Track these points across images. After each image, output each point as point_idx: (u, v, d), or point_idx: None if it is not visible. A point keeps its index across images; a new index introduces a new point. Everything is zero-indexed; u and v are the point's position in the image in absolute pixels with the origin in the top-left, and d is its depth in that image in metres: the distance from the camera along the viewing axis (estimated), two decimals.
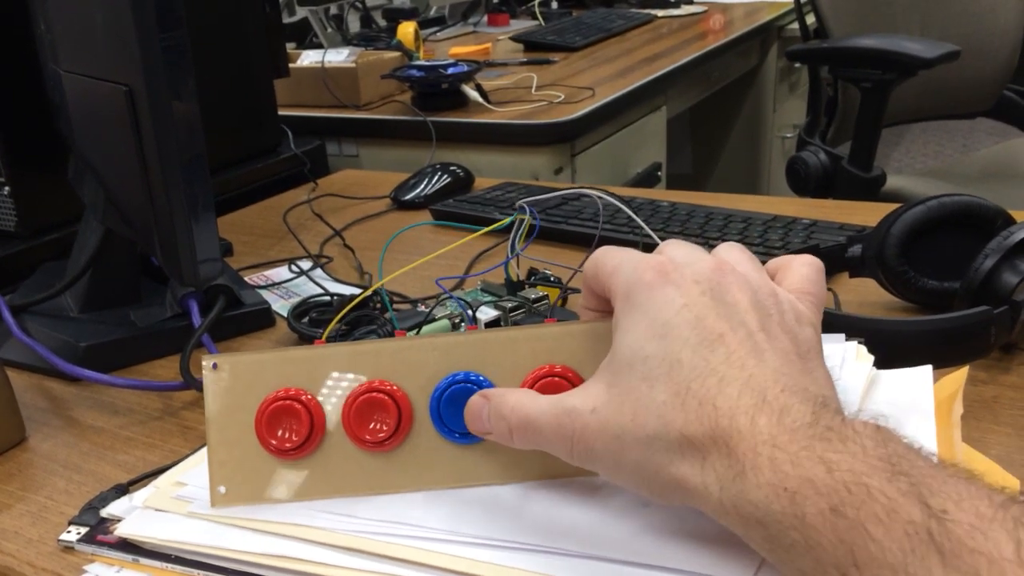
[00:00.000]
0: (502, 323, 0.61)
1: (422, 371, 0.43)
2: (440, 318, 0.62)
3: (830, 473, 0.30)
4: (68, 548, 0.46)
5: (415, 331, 0.60)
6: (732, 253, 0.41)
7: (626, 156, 1.50)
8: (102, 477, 0.54)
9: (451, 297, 0.63)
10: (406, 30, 1.61)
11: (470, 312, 0.61)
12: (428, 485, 0.43)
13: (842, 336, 0.51)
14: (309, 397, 0.42)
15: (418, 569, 0.39)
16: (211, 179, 0.59)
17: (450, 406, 0.42)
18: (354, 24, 2.06)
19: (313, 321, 0.69)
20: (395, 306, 0.72)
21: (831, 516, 0.30)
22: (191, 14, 0.55)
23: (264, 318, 0.74)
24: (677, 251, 0.39)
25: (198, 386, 0.60)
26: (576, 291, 0.67)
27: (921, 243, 0.63)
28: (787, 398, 0.34)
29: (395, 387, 0.42)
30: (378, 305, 0.67)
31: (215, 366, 0.43)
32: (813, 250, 0.67)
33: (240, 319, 0.73)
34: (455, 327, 0.62)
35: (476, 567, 0.38)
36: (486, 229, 0.57)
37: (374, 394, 0.42)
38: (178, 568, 0.42)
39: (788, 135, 2.35)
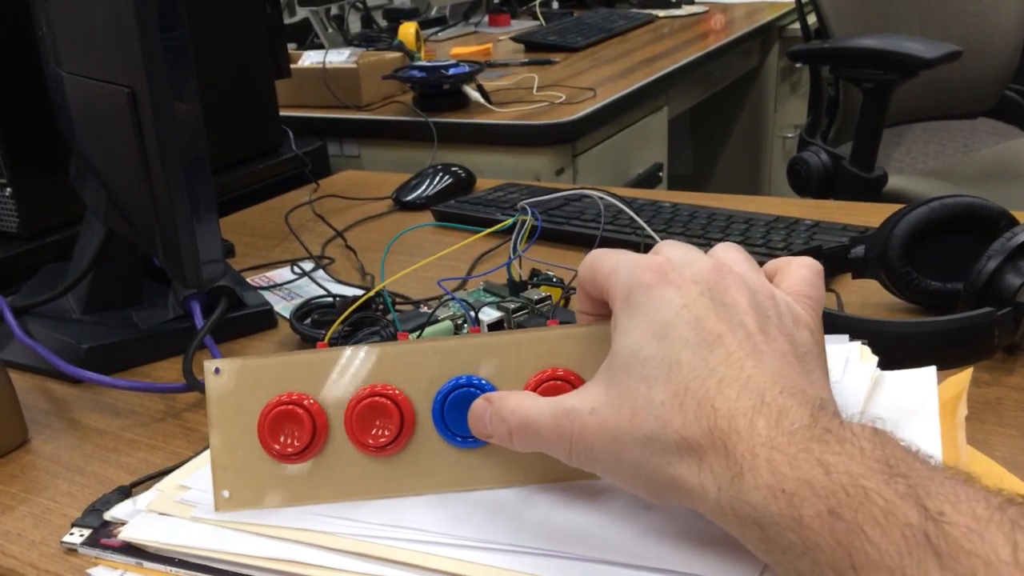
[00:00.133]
0: (505, 324, 0.61)
1: (424, 375, 0.43)
2: (443, 319, 0.61)
3: (828, 475, 0.30)
4: (71, 550, 0.46)
5: (418, 333, 0.60)
6: (729, 254, 0.40)
7: (627, 157, 1.50)
8: (105, 479, 0.54)
9: (453, 298, 0.63)
10: (407, 30, 1.61)
11: (472, 314, 0.61)
12: (431, 489, 0.43)
13: (845, 337, 0.51)
14: (311, 401, 0.42)
15: (420, 572, 0.39)
16: (213, 180, 0.59)
17: (453, 410, 0.42)
18: (355, 24, 2.06)
19: (315, 322, 0.69)
20: (397, 307, 0.72)
21: (829, 518, 0.30)
22: (192, 14, 0.55)
23: (266, 319, 0.74)
24: (675, 251, 0.39)
25: (201, 388, 0.60)
26: None
27: (924, 244, 0.63)
28: (785, 400, 0.34)
29: (397, 391, 0.42)
30: (380, 306, 0.67)
31: (217, 370, 0.43)
32: (816, 251, 0.67)
33: (242, 320, 0.73)
34: (458, 328, 0.61)
35: (478, 571, 0.38)
36: (488, 230, 0.57)
37: (377, 398, 0.42)
38: (182, 572, 0.42)
39: (789, 135, 2.35)
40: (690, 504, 0.35)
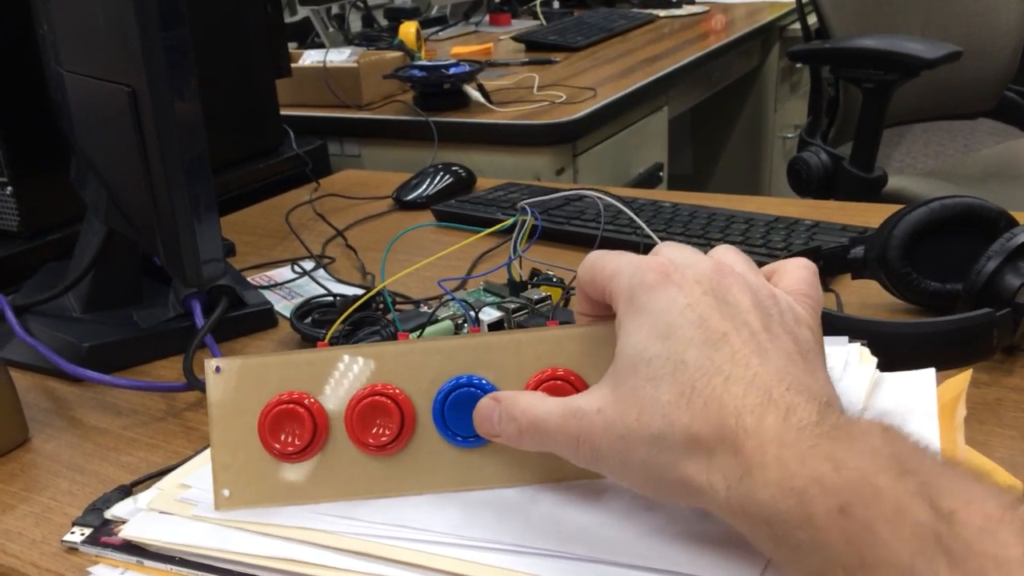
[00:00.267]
0: (505, 324, 0.61)
1: (425, 374, 0.43)
2: (443, 319, 0.62)
3: (838, 472, 0.30)
4: (72, 549, 0.47)
5: (418, 333, 0.60)
6: (728, 255, 0.41)
7: (628, 156, 1.50)
8: (105, 478, 0.54)
9: (453, 299, 0.63)
10: (408, 30, 1.61)
11: (472, 314, 0.61)
12: (431, 489, 0.43)
13: (845, 339, 0.51)
14: (312, 400, 0.42)
15: (422, 572, 0.39)
16: (213, 179, 0.59)
17: (453, 410, 0.42)
18: (355, 24, 2.06)
19: (316, 322, 0.69)
20: (398, 307, 0.72)
21: (839, 516, 0.29)
22: (192, 14, 0.55)
23: (267, 319, 0.74)
24: (675, 252, 0.40)
25: (201, 387, 0.60)
26: None
27: (924, 245, 0.63)
28: (793, 397, 0.34)
29: (398, 390, 0.42)
30: (381, 306, 0.67)
31: (218, 369, 0.43)
32: (815, 251, 0.67)
33: (243, 319, 0.73)
34: (458, 328, 0.62)
35: (481, 571, 0.38)
36: (488, 231, 0.57)
37: (377, 398, 0.42)
38: (182, 570, 0.42)
39: (789, 135, 2.35)
40: (698, 503, 0.35)
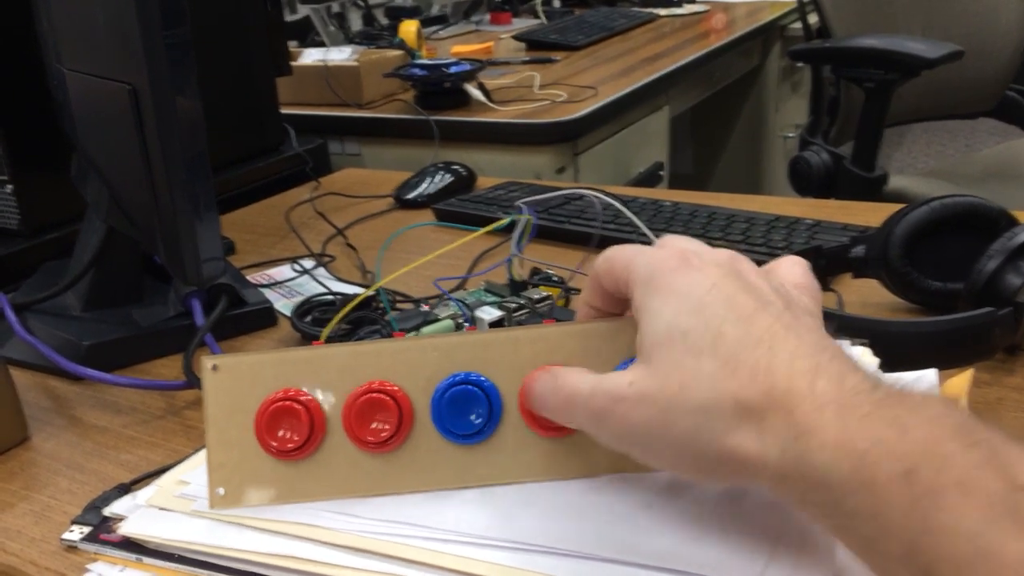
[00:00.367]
0: (505, 323, 0.61)
1: (423, 372, 0.43)
2: (444, 318, 0.61)
3: (903, 437, 0.29)
4: (71, 547, 0.47)
5: (415, 331, 0.60)
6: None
7: (628, 155, 1.50)
8: (105, 476, 0.54)
9: (450, 298, 0.63)
10: (408, 28, 1.61)
11: (468, 313, 0.61)
12: (430, 486, 0.43)
13: (847, 342, 0.51)
14: (309, 398, 0.42)
15: (422, 569, 0.39)
16: (213, 177, 0.59)
17: (451, 407, 0.42)
18: (356, 22, 2.06)
19: (316, 320, 0.69)
20: (398, 305, 0.72)
21: (904, 480, 0.29)
22: (193, 12, 0.55)
23: (267, 317, 0.74)
24: (687, 243, 0.40)
25: (201, 385, 0.60)
26: (579, 291, 0.67)
27: (925, 244, 0.63)
28: (839, 365, 0.33)
29: (396, 387, 0.42)
30: (380, 305, 0.67)
31: (215, 367, 0.43)
32: (816, 251, 0.67)
33: (243, 318, 0.73)
34: (459, 327, 0.62)
35: (480, 567, 0.38)
36: (485, 229, 0.58)
37: (375, 395, 0.42)
38: (181, 567, 0.42)
39: (790, 135, 2.35)
40: (745, 475, 0.34)
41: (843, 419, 0.31)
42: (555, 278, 0.69)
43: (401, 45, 1.58)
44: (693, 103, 1.91)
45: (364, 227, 0.98)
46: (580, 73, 1.57)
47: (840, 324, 0.53)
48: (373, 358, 0.43)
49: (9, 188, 0.86)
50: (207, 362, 0.43)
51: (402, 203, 1.03)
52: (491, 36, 2.03)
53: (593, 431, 0.38)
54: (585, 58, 1.72)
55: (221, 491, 0.43)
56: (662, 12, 2.18)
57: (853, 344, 0.50)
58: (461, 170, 1.07)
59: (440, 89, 1.38)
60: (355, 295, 0.64)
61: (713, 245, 0.42)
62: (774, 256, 0.74)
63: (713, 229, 0.82)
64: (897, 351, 0.51)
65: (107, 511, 0.47)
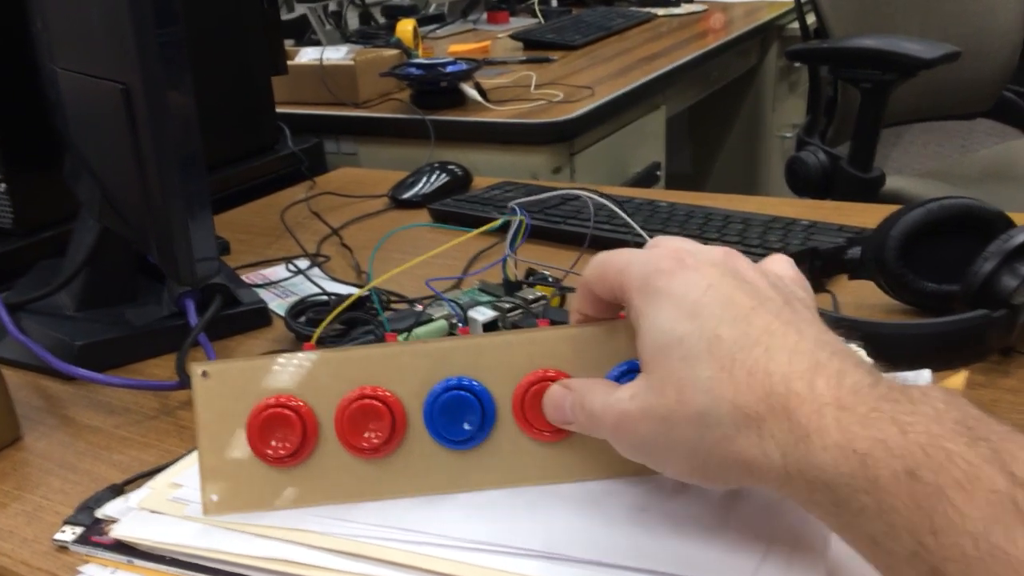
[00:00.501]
0: (499, 324, 0.61)
1: (415, 376, 0.42)
2: (437, 319, 0.61)
3: (904, 435, 0.29)
4: (63, 548, 0.46)
5: (407, 333, 0.59)
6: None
7: (625, 155, 1.50)
8: (97, 477, 0.54)
9: (442, 299, 0.63)
10: (405, 27, 1.61)
11: (461, 313, 0.61)
12: (423, 491, 0.43)
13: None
14: (301, 404, 0.42)
15: (414, 573, 0.39)
16: (208, 177, 0.59)
17: (444, 412, 0.42)
18: (353, 21, 2.06)
19: (310, 321, 0.68)
20: (392, 305, 0.72)
21: (907, 479, 0.29)
22: (188, 10, 0.55)
23: (261, 317, 0.74)
24: (680, 242, 0.39)
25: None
26: (573, 291, 0.67)
27: (920, 246, 0.63)
28: (840, 362, 0.33)
29: (388, 393, 0.42)
30: (374, 306, 0.66)
31: (204, 373, 0.42)
32: (812, 252, 0.67)
33: (237, 318, 0.72)
34: (452, 328, 0.61)
35: (473, 571, 0.38)
36: (479, 230, 0.57)
37: (367, 400, 0.42)
38: (173, 570, 0.42)
39: (787, 135, 2.35)
40: (752, 479, 0.34)
41: (843, 420, 0.31)
42: (550, 278, 0.68)
43: (398, 44, 1.58)
44: (690, 103, 1.91)
45: (359, 227, 0.98)
46: (577, 73, 1.57)
47: (835, 325, 0.53)
48: (365, 363, 0.42)
49: (2, 187, 0.86)
50: (197, 368, 0.42)
51: (398, 203, 1.03)
52: (488, 35, 2.03)
53: (614, 445, 0.38)
54: (582, 58, 1.72)
55: (214, 497, 0.43)
56: (660, 12, 2.18)
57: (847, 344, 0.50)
58: (457, 170, 1.07)
59: (436, 88, 1.37)
60: (349, 295, 0.64)
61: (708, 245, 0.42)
62: None
63: (709, 230, 0.82)
64: (892, 352, 0.51)
65: (99, 513, 0.47)
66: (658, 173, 1.60)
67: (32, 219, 0.88)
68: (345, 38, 1.81)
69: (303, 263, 0.86)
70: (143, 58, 0.54)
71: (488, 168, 1.23)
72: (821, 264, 0.67)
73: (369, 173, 1.20)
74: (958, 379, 0.49)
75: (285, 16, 1.91)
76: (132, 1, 0.53)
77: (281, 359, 0.43)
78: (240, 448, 0.42)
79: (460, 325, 0.61)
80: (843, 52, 1.54)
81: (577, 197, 0.91)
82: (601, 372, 0.42)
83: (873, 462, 0.29)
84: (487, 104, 1.35)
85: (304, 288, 0.81)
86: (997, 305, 0.55)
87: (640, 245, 0.41)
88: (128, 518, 0.45)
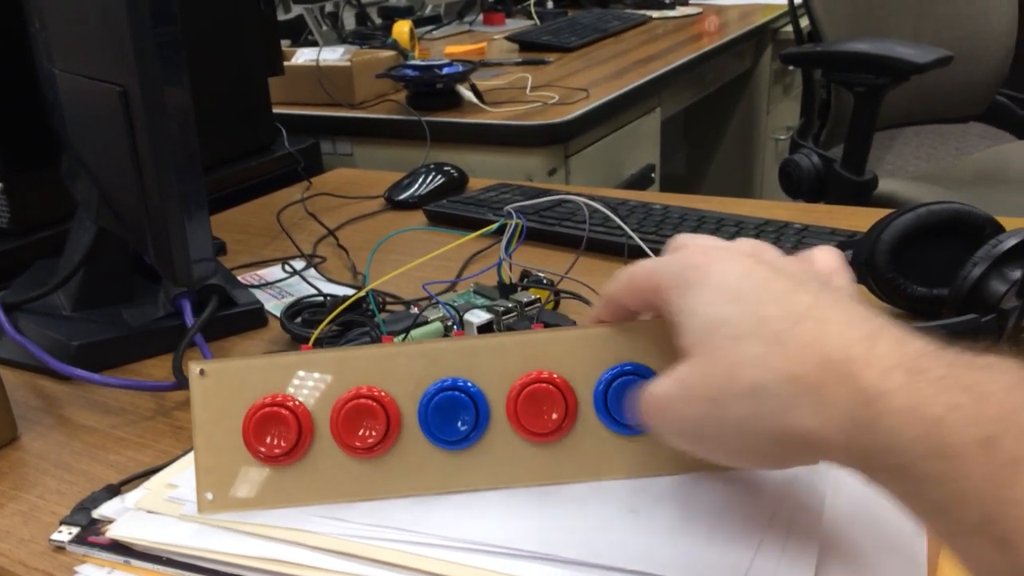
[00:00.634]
0: (494, 326, 0.61)
1: (410, 377, 0.43)
2: (433, 321, 0.62)
3: (979, 403, 0.28)
4: (59, 548, 0.47)
5: (403, 335, 0.60)
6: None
7: (620, 157, 1.50)
8: (94, 477, 0.54)
9: (438, 302, 0.63)
10: (401, 29, 1.61)
11: (456, 315, 0.61)
12: (417, 491, 0.43)
13: None
14: (297, 403, 0.43)
15: (407, 573, 0.39)
16: (204, 177, 0.59)
17: (438, 413, 0.42)
18: (349, 22, 2.06)
19: (306, 321, 0.69)
20: (388, 307, 0.72)
21: (983, 447, 0.28)
22: (185, 11, 0.55)
23: (257, 318, 0.74)
24: (705, 239, 0.39)
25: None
26: (568, 294, 0.68)
27: (911, 250, 0.64)
28: (897, 330, 0.32)
29: (383, 393, 0.43)
30: (370, 308, 0.67)
31: (202, 372, 0.43)
32: None
33: (233, 319, 0.73)
34: (447, 330, 0.62)
35: (465, 571, 0.38)
36: (475, 234, 0.58)
37: (362, 400, 0.42)
38: (169, 570, 0.42)
39: (781, 137, 2.36)
40: (810, 451, 0.33)
41: (913, 383, 0.30)
42: (544, 281, 0.69)
43: (394, 45, 1.58)
44: (685, 105, 1.91)
45: (355, 228, 0.98)
46: (572, 75, 1.57)
47: None
48: (361, 363, 0.43)
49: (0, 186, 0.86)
50: (194, 366, 0.43)
51: (394, 204, 1.03)
52: (484, 37, 2.04)
53: (661, 435, 0.37)
54: (578, 60, 1.72)
55: (210, 496, 0.43)
56: (655, 14, 2.19)
57: None
58: (453, 171, 1.07)
59: (432, 90, 1.38)
60: (345, 297, 0.65)
61: None
62: None
63: (702, 233, 0.82)
64: None
65: (96, 513, 0.47)
66: (653, 175, 1.60)
67: (29, 219, 0.88)
68: (341, 39, 1.81)
69: (299, 264, 0.87)
70: (140, 58, 0.54)
71: (484, 170, 1.24)
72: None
73: (365, 174, 1.20)
74: None
75: (282, 17, 1.91)
76: (130, 2, 0.53)
77: (278, 359, 0.43)
78: (236, 447, 0.43)
79: (455, 327, 0.61)
80: (836, 56, 1.55)
81: (570, 201, 0.92)
82: (595, 376, 0.42)
83: (947, 427, 0.28)
84: (483, 106, 1.36)
85: (300, 289, 0.81)
86: (986, 309, 0.55)
87: (635, 249, 0.42)
88: (124, 518, 0.45)
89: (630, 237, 0.61)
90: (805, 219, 0.84)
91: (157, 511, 0.45)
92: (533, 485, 0.43)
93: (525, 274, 0.71)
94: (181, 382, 0.61)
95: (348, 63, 1.45)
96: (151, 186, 0.58)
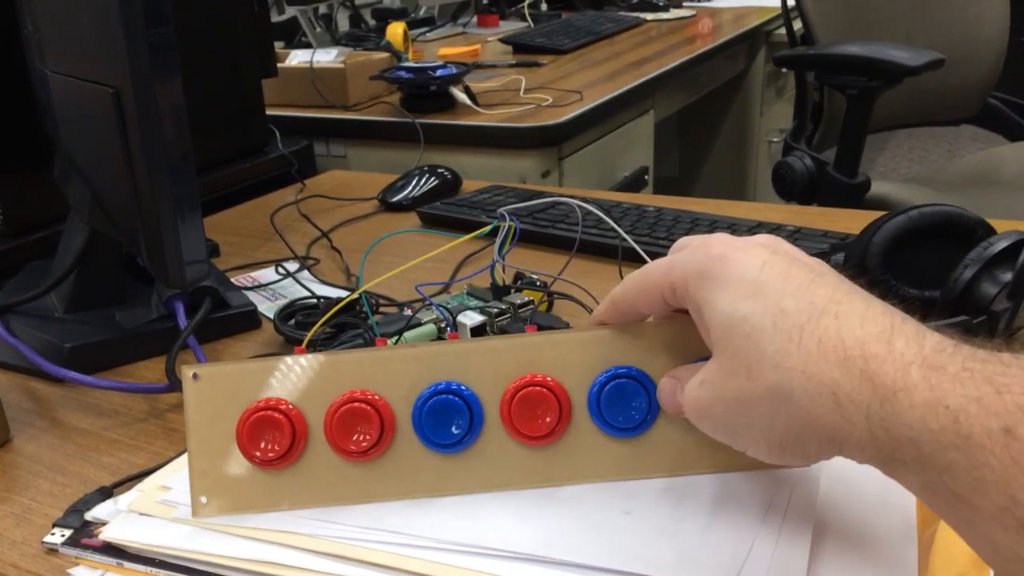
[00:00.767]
0: (488, 328, 0.61)
1: (404, 381, 0.43)
2: (426, 323, 0.62)
3: (1000, 394, 0.29)
4: (52, 550, 0.46)
5: (397, 337, 0.60)
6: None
7: (613, 160, 1.50)
8: (86, 479, 0.54)
9: (431, 304, 0.63)
10: (395, 30, 1.61)
11: (450, 318, 0.62)
12: (410, 494, 0.43)
13: None
14: (291, 407, 0.43)
15: (399, 575, 0.39)
16: (197, 179, 0.59)
17: (432, 416, 0.42)
18: (343, 23, 2.06)
19: (299, 324, 0.69)
20: (382, 309, 0.72)
21: (1003, 436, 0.28)
22: (179, 12, 0.55)
23: (250, 320, 0.74)
24: (720, 236, 0.40)
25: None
26: (561, 295, 0.68)
27: (903, 252, 0.64)
28: (914, 325, 0.33)
29: (377, 396, 0.43)
30: (363, 310, 0.67)
31: (195, 376, 0.43)
32: None
33: (226, 321, 0.73)
34: (441, 332, 0.62)
35: (459, 574, 0.38)
36: (468, 236, 0.58)
37: (356, 404, 0.42)
38: (162, 573, 0.42)
39: (775, 139, 2.36)
40: (834, 448, 0.33)
41: (931, 378, 0.30)
42: (537, 282, 0.69)
43: (388, 47, 1.58)
44: (679, 107, 1.92)
45: (349, 230, 0.98)
46: (566, 77, 1.57)
47: None
48: (354, 367, 0.43)
49: None
50: (188, 370, 0.43)
51: (387, 206, 1.04)
52: (478, 39, 2.04)
53: (701, 430, 0.39)
54: (571, 62, 1.72)
55: (203, 499, 0.43)
56: (649, 17, 2.19)
57: None
58: (446, 173, 1.07)
59: (426, 92, 1.38)
60: (339, 299, 0.65)
61: None
62: None
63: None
64: None
65: (89, 515, 0.47)
66: (646, 178, 1.60)
67: (21, 220, 0.88)
68: (335, 41, 1.81)
69: (292, 266, 0.87)
70: (133, 59, 0.54)
71: (477, 172, 1.24)
72: None
73: (358, 176, 1.21)
74: None
75: (275, 18, 1.91)
76: (123, 3, 0.53)
77: (271, 363, 0.43)
78: (230, 451, 0.43)
79: (449, 330, 0.61)
80: (829, 59, 1.55)
81: (564, 203, 0.92)
82: (588, 378, 0.42)
83: (966, 418, 0.29)
84: (476, 108, 1.36)
85: (293, 291, 0.81)
86: (978, 312, 0.56)
87: (629, 251, 0.42)
88: (117, 520, 0.45)
89: (624, 239, 0.61)
90: (798, 221, 0.84)
91: (150, 513, 0.45)
92: (527, 487, 0.43)
93: (518, 276, 0.71)
94: (174, 384, 0.61)
95: (342, 65, 1.45)
96: (144, 188, 0.58)
